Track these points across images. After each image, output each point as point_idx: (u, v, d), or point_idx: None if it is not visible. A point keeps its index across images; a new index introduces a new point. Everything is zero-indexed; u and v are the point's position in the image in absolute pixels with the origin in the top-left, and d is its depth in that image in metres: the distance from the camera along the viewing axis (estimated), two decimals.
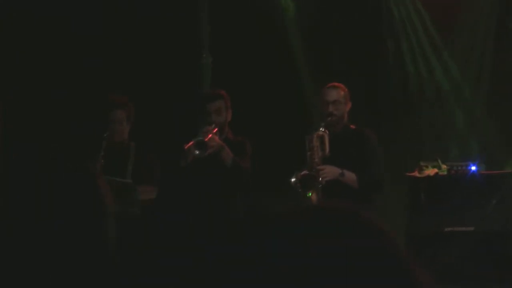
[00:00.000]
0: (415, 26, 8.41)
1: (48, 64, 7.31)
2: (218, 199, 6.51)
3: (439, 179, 7.46)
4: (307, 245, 1.03)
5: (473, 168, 7.46)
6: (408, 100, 8.46)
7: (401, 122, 8.35)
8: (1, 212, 1.35)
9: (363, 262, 1.03)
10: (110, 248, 1.38)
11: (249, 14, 7.93)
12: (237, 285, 1.03)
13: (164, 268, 6.57)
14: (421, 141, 8.42)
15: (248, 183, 6.59)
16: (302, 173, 6.25)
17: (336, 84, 6.59)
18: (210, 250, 5.96)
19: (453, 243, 7.28)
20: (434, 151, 7.96)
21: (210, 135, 6.38)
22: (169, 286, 6.23)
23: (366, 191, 6.34)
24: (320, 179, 6.24)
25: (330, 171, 6.31)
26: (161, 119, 7.81)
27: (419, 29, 8.43)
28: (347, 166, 6.37)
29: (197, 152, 6.30)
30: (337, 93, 6.51)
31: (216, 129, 6.46)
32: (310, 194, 6.23)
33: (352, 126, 6.60)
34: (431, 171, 7.50)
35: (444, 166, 7.49)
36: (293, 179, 6.21)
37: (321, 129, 6.37)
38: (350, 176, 6.37)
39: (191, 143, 6.33)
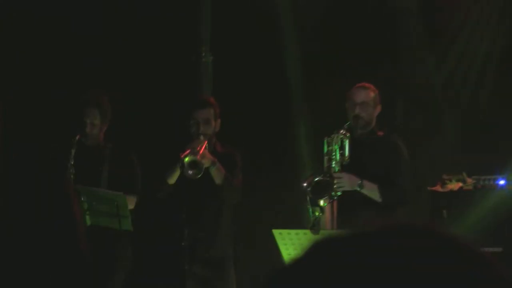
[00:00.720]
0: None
1: (48, 64, 7.30)
2: (207, 216, 6.12)
3: (464, 194, 6.72)
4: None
5: (502, 182, 6.70)
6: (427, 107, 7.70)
7: (421, 130, 7.58)
8: None
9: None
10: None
11: (251, 12, 7.65)
12: None
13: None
14: (444, 151, 7.54)
15: (238, 200, 6.18)
16: (316, 178, 5.68)
17: (365, 84, 6.00)
18: None
19: None
20: (458, 163, 7.12)
21: (202, 151, 5.91)
22: None
23: (390, 205, 5.74)
24: (335, 186, 5.64)
25: (347, 181, 5.70)
26: (159, 120, 7.57)
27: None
28: (368, 176, 5.74)
29: (190, 172, 5.81)
30: (366, 94, 5.92)
31: (206, 142, 5.98)
32: (318, 213, 5.58)
33: (380, 133, 5.98)
34: (454, 186, 6.73)
35: (469, 180, 6.73)
36: (305, 184, 5.66)
37: (341, 131, 5.80)
38: (371, 188, 5.73)
39: (187, 151, 5.85)
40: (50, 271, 1.32)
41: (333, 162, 5.75)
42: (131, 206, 5.86)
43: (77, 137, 5.86)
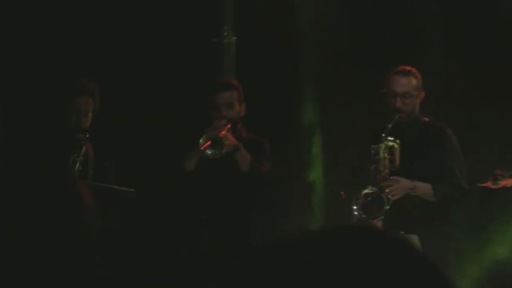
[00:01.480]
0: None
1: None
2: (231, 211, 5.49)
3: None
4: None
5: None
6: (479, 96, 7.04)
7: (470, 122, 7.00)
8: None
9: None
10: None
11: None
12: None
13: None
14: (496, 145, 6.84)
15: (267, 191, 5.66)
16: (364, 192, 5.17)
17: (406, 68, 5.36)
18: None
19: None
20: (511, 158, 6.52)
21: (224, 132, 5.33)
22: None
23: (445, 203, 5.28)
24: (389, 197, 5.11)
25: (399, 187, 5.18)
26: (177, 109, 7.19)
27: None
28: (418, 172, 5.26)
29: (209, 152, 5.27)
30: (408, 82, 5.29)
31: (229, 126, 5.42)
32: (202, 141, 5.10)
33: (425, 119, 5.46)
34: (508, 182, 6.17)
35: None
36: (355, 207, 5.13)
37: (390, 138, 5.23)
38: (424, 188, 5.24)
39: (207, 142, 5.26)
40: (58, 269, 1.33)
41: (382, 171, 5.24)
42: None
43: (87, 134, 5.46)
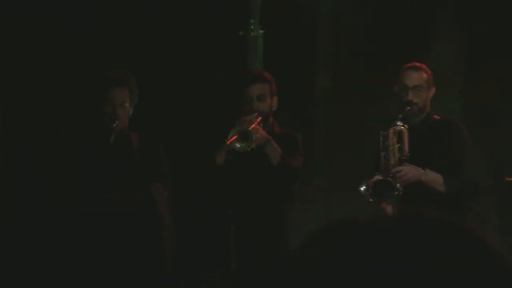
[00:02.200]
0: None
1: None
2: (262, 205, 5.36)
3: None
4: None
5: None
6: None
7: (498, 113, 6.95)
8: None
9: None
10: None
11: None
12: None
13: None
14: None
15: (298, 185, 5.51)
16: (375, 178, 5.11)
17: (417, 64, 5.45)
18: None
19: None
20: None
21: (254, 125, 5.19)
22: None
23: (456, 196, 5.19)
24: (398, 185, 5.04)
25: (410, 172, 5.12)
26: (189, 107, 7.14)
27: None
28: (430, 167, 5.18)
29: (238, 145, 5.14)
30: (419, 76, 5.36)
31: (260, 119, 5.30)
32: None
33: (436, 117, 5.43)
34: None
35: None
36: (362, 188, 5.08)
37: (398, 123, 5.21)
38: (435, 176, 5.17)
39: (234, 136, 5.15)
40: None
41: (392, 159, 5.19)
42: (162, 193, 5.25)
43: (115, 124, 5.23)
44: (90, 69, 7.04)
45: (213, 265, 5.82)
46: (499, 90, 7.02)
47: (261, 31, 7.04)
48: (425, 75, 5.40)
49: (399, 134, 5.22)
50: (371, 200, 5.07)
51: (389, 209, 5.10)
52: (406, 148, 5.21)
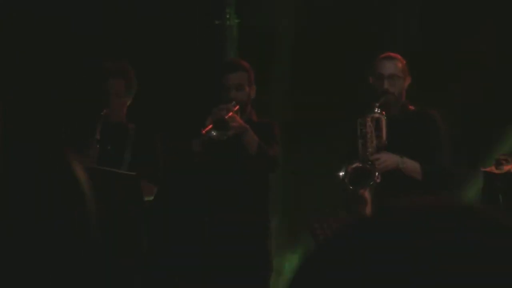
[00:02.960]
0: None
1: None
2: (239, 194, 5.36)
3: None
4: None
5: None
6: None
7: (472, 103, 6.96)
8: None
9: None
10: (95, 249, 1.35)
11: None
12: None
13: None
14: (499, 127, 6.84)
15: (275, 173, 5.50)
16: (353, 165, 5.11)
17: (392, 54, 5.43)
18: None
19: None
20: None
21: (230, 113, 5.19)
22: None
23: (432, 184, 5.15)
24: (376, 173, 5.04)
25: (388, 159, 5.13)
26: (169, 96, 7.13)
27: None
28: (407, 156, 5.19)
29: (214, 133, 5.12)
30: (394, 65, 5.35)
31: (237, 107, 5.29)
32: (356, 204, 5.01)
33: (411, 107, 5.45)
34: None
35: None
36: (341, 173, 5.07)
37: (376, 110, 5.21)
38: (412, 164, 5.19)
39: (210, 126, 5.14)
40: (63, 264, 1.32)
41: (369, 146, 5.19)
42: (150, 195, 5.21)
43: (104, 112, 5.22)
44: (89, 69, 7.00)
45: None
46: None
47: (237, 20, 7.01)
48: (400, 65, 5.38)
49: (377, 121, 5.22)
50: (350, 187, 5.07)
51: (367, 195, 5.10)
52: (384, 135, 5.22)
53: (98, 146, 5.15)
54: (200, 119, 5.29)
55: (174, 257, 5.82)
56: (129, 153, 5.32)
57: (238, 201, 5.37)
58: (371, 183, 5.08)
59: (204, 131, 5.14)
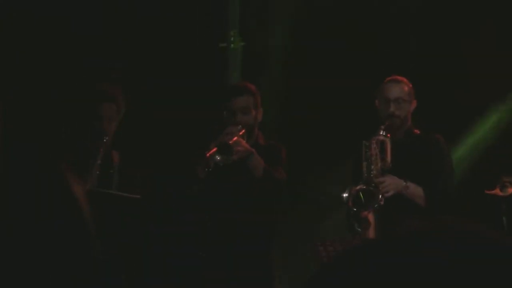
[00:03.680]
0: None
1: (48, 64, 7.28)
2: (245, 218, 5.28)
3: None
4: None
5: None
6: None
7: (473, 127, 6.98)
8: None
9: None
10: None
11: None
12: None
13: None
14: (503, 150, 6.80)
15: (281, 197, 5.41)
16: (357, 187, 5.11)
17: (398, 77, 5.42)
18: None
19: None
20: None
21: (236, 138, 5.17)
22: None
23: (434, 208, 5.12)
24: (380, 196, 5.04)
25: (392, 184, 5.11)
26: (173, 120, 7.08)
27: None
28: (411, 180, 5.17)
29: (218, 158, 5.08)
30: (400, 88, 5.34)
31: (243, 131, 5.26)
32: (360, 228, 4.97)
33: (417, 131, 5.44)
34: None
35: None
36: (345, 195, 5.07)
37: (381, 132, 5.20)
38: (416, 190, 5.18)
39: (214, 149, 5.11)
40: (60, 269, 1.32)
41: (373, 168, 5.17)
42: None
43: (106, 138, 5.23)
44: (89, 69, 7.00)
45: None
46: None
47: (242, 43, 6.95)
48: (406, 88, 5.37)
49: (382, 144, 5.22)
50: (354, 209, 5.05)
51: (370, 218, 5.08)
52: (389, 158, 5.21)
53: (98, 172, 5.17)
54: (206, 143, 5.27)
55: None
56: (116, 180, 5.31)
57: (242, 226, 5.32)
58: (375, 205, 5.07)
59: (208, 154, 5.10)
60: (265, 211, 5.34)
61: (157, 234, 5.42)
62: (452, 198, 5.25)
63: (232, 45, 6.92)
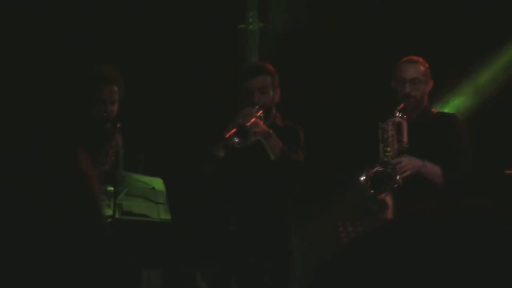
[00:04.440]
0: None
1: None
2: (263, 200, 5.29)
3: None
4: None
5: None
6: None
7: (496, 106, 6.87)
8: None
9: None
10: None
11: None
12: None
13: None
14: None
15: (300, 179, 5.40)
16: (374, 169, 5.08)
17: (414, 58, 5.39)
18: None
19: None
20: None
21: (253, 119, 5.13)
22: None
23: (452, 187, 5.09)
24: (398, 177, 5.01)
25: (409, 163, 5.10)
26: (191, 101, 7.01)
27: None
28: (428, 160, 5.14)
29: (236, 140, 5.07)
30: (416, 69, 5.31)
31: (261, 112, 5.24)
32: (380, 208, 4.94)
33: (434, 110, 5.45)
34: None
35: None
36: (362, 178, 5.05)
37: (397, 114, 5.18)
38: (433, 169, 5.15)
39: (233, 130, 5.09)
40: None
41: (391, 150, 5.15)
42: None
43: (118, 124, 5.13)
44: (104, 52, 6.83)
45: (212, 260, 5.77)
46: None
47: (261, 24, 6.92)
48: (422, 68, 5.35)
49: (398, 125, 5.19)
50: (371, 191, 5.04)
51: (388, 200, 5.05)
52: (405, 139, 5.18)
53: (113, 157, 5.07)
54: (223, 123, 5.25)
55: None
56: (122, 158, 5.20)
57: (262, 207, 5.31)
58: (394, 186, 5.05)
59: (227, 135, 5.10)
60: (283, 192, 5.34)
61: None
62: (470, 177, 5.19)
63: (250, 26, 6.89)
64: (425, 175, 5.13)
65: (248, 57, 6.90)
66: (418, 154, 5.15)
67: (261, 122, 5.19)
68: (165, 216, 4.99)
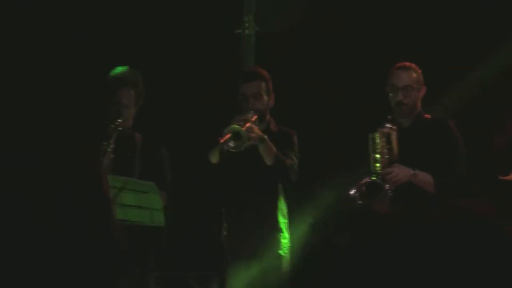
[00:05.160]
0: None
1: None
2: (256, 204, 5.33)
3: None
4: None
5: None
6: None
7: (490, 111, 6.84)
8: None
9: None
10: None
11: None
12: None
13: None
14: None
15: (293, 184, 5.40)
16: (364, 181, 5.07)
17: (406, 64, 5.38)
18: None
19: None
20: None
21: (248, 124, 5.18)
22: None
23: (445, 196, 5.01)
24: (388, 186, 5.00)
25: (400, 173, 5.07)
26: (186, 106, 7.03)
27: None
28: (421, 167, 5.12)
29: (231, 144, 5.11)
30: (409, 76, 5.31)
31: (255, 117, 5.30)
32: None
33: (427, 116, 5.39)
34: None
35: None
36: (352, 191, 5.01)
37: (387, 125, 5.19)
38: (425, 177, 5.13)
39: (227, 135, 5.12)
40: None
41: (380, 160, 5.14)
42: (163, 202, 5.12)
43: (119, 121, 5.18)
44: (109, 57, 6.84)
45: (207, 264, 5.80)
46: None
47: (256, 29, 6.95)
48: (414, 75, 5.35)
49: (388, 135, 5.19)
50: (360, 202, 5.01)
51: (383, 209, 5.01)
52: (395, 149, 5.18)
53: (112, 155, 5.11)
54: (218, 129, 5.28)
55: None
56: (139, 162, 5.30)
57: (255, 211, 5.36)
58: (382, 197, 5.04)
59: (222, 140, 5.13)
60: (276, 196, 5.40)
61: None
62: (464, 183, 5.19)
63: (246, 31, 6.94)
64: (417, 184, 5.13)
65: (244, 61, 6.93)
66: (411, 160, 5.15)
67: (256, 127, 5.24)
68: (159, 221, 5.04)
